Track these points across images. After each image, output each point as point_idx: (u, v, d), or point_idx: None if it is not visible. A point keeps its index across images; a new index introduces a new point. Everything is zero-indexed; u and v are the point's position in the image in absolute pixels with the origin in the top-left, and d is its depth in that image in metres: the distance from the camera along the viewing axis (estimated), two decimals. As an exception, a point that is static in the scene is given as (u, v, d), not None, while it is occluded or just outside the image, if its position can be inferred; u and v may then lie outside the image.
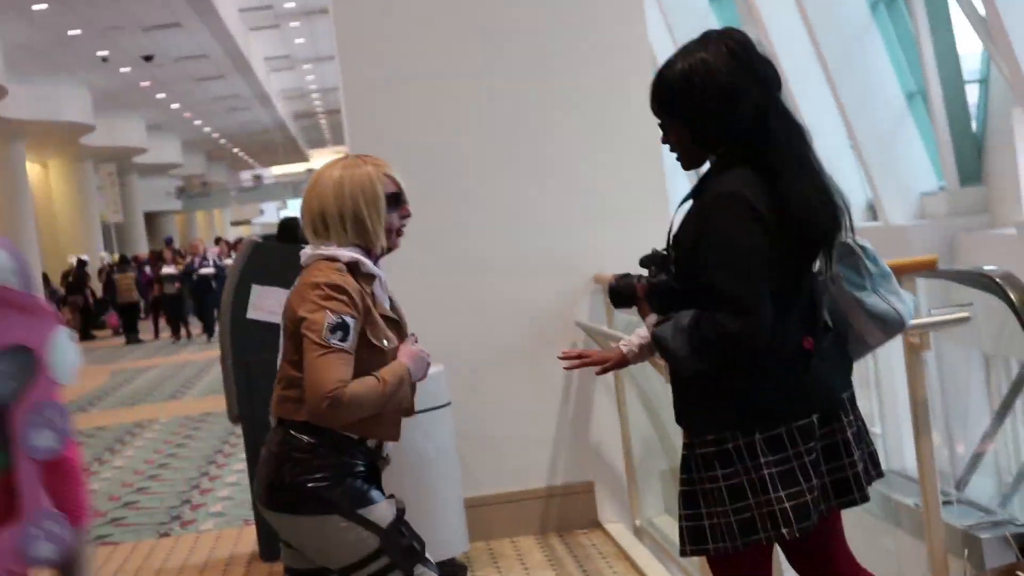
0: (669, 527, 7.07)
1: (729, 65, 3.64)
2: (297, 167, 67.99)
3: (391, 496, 4.05)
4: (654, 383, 6.85)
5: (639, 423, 7.35)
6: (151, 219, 50.41)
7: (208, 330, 26.81)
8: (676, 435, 6.26)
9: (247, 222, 67.64)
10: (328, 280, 3.90)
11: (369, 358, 3.93)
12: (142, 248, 44.05)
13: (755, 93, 3.65)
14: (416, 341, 4.11)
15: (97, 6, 24.07)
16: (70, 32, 26.18)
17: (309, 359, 3.84)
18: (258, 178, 67.99)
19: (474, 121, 7.54)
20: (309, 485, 3.90)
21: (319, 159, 67.12)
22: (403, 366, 3.98)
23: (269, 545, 7.52)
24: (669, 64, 3.73)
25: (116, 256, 36.48)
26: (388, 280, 4.10)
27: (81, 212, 38.58)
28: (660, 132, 3.80)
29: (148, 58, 30.28)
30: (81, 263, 33.73)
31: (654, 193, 7.58)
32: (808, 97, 18.67)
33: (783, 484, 3.66)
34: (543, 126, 7.55)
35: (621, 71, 7.56)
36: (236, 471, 11.04)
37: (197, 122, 45.55)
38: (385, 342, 3.97)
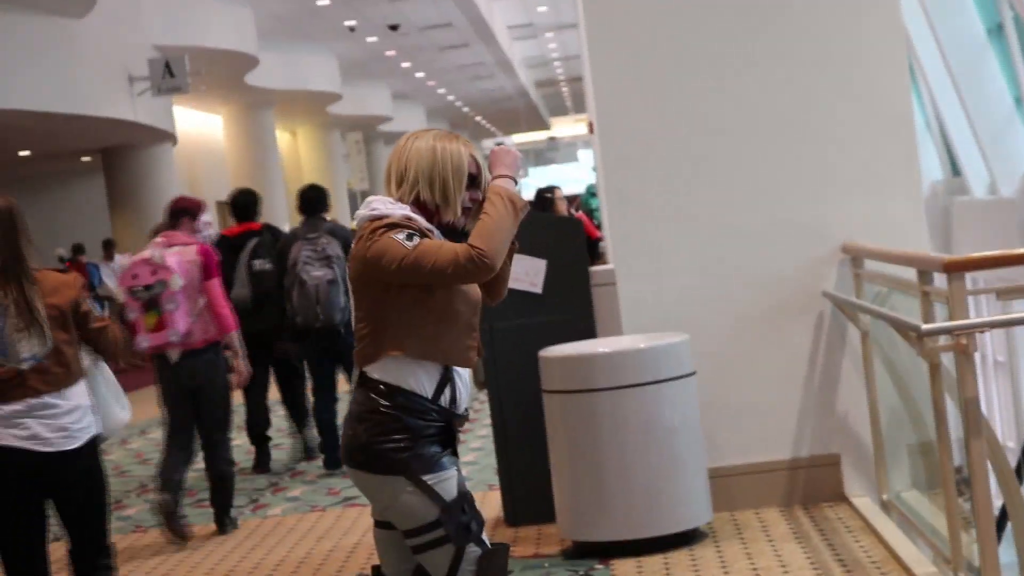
0: (917, 502, 6.95)
1: None
2: (538, 135, 68.24)
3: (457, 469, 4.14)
4: (902, 353, 6.72)
5: (887, 394, 7.22)
6: (396, 186, 51.10)
7: None
8: (926, 407, 6.15)
9: (489, 189, 68.29)
10: (379, 224, 4.04)
11: (417, 299, 4.04)
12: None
13: None
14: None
15: (345, -24, 24.51)
16: (319, 2, 26.68)
17: (418, 265, 3.95)
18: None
19: (720, 87, 7.48)
20: (381, 447, 4.04)
21: (560, 127, 67.31)
22: (501, 188, 4.10)
23: (515, 510, 7.61)
24: None
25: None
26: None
27: (329, 180, 39.12)
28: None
29: (394, 27, 30.61)
30: None
31: (904, 160, 7.43)
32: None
33: None
34: (792, 93, 7.46)
35: (872, 37, 7.41)
36: (480, 436, 11.16)
37: (441, 91, 45.99)
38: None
